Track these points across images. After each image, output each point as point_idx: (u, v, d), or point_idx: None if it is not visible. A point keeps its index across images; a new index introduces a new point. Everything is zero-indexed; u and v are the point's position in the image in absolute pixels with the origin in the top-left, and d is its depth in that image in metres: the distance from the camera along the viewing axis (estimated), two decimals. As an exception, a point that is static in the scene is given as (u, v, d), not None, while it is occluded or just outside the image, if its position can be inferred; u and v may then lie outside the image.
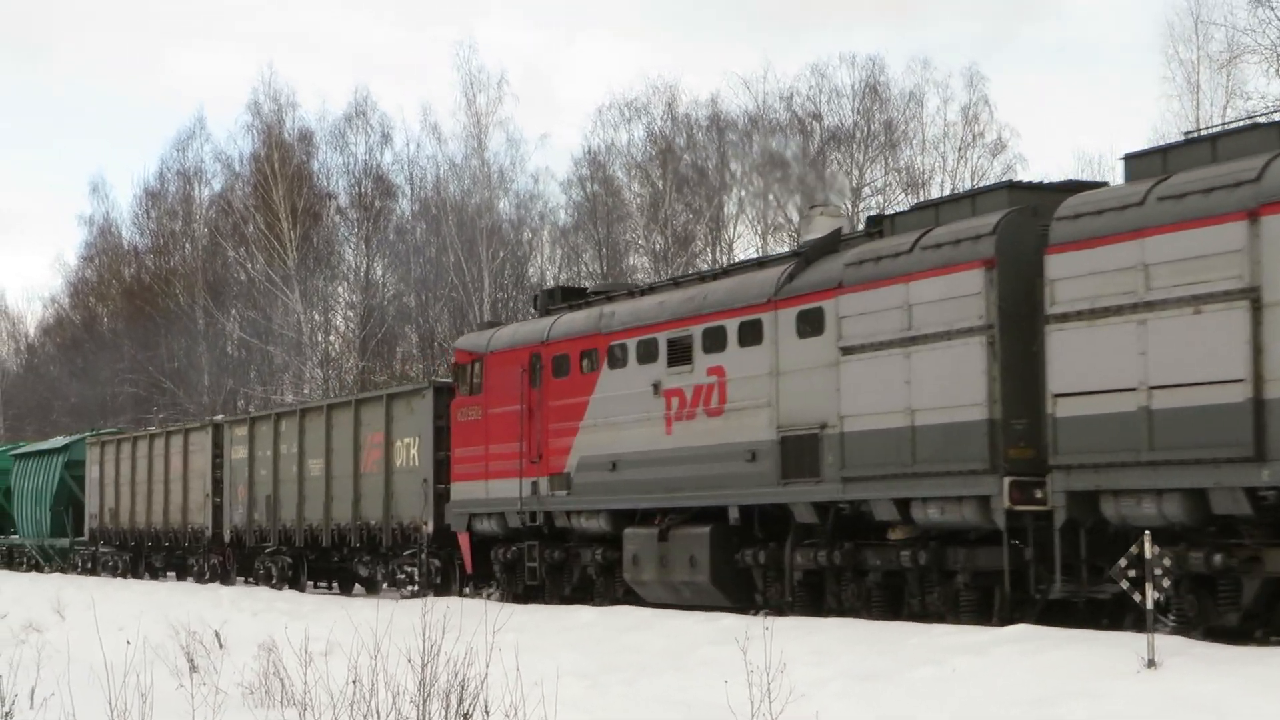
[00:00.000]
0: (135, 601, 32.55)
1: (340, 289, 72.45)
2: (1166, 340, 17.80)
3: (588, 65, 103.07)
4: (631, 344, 26.20)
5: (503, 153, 65.99)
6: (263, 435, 39.27)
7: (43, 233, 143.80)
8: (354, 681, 12.53)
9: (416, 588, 32.19)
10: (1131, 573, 16.39)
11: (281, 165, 68.78)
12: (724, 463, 24.05)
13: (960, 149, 63.74)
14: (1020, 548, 20.04)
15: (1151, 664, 15.00)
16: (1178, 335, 17.69)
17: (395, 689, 12.43)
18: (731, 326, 24.11)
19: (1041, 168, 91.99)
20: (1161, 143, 23.63)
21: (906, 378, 21.07)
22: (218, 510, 41.72)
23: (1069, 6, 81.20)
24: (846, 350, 21.93)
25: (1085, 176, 53.05)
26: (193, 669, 18.11)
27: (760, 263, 25.17)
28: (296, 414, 37.91)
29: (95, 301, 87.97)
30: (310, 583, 38.28)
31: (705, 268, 66.48)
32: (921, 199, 63.20)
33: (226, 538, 41.35)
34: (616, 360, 26.56)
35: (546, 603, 27.85)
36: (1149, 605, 15.95)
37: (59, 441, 55.37)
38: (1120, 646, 15.76)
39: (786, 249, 63.16)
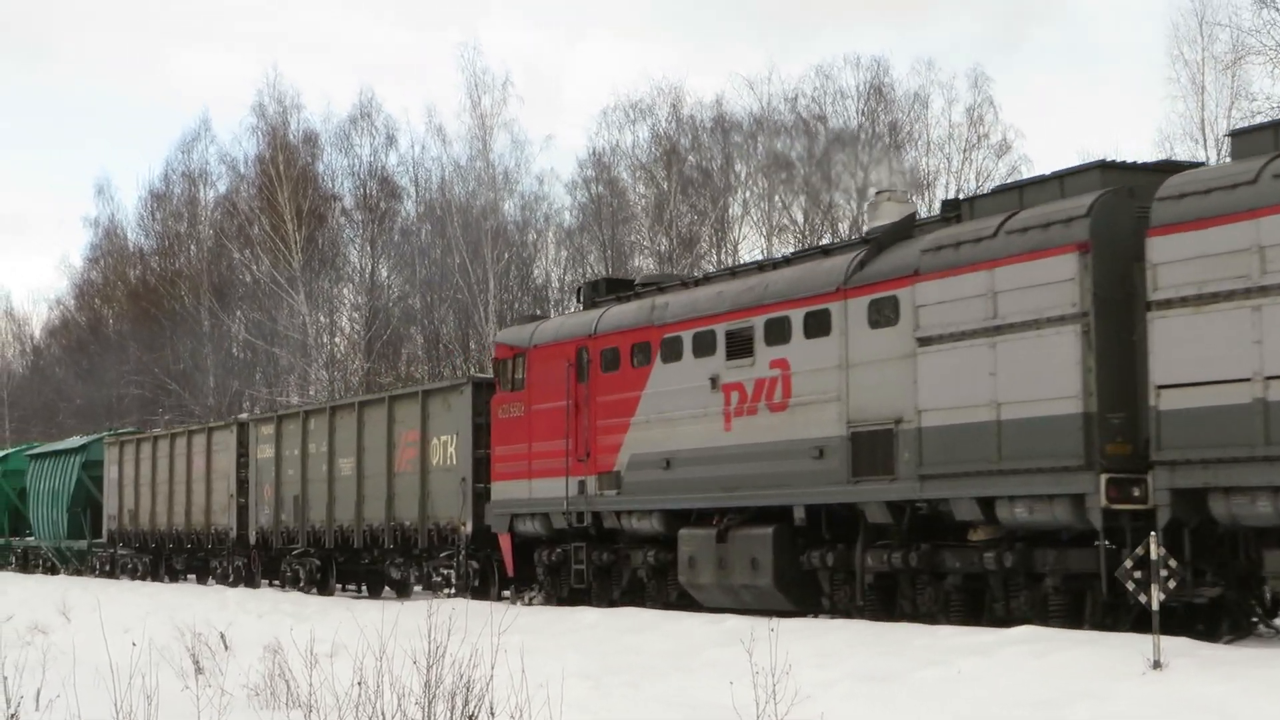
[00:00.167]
0: (141, 603, 31.91)
1: (345, 291, 71.06)
2: (1286, 327, 16.33)
3: (592, 66, 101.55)
4: (687, 336, 24.57)
5: (507, 154, 64.43)
6: (290, 434, 37.43)
7: (48, 234, 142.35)
8: (359, 683, 12.26)
9: (453, 590, 30.51)
10: (1138, 574, 15.90)
11: (286, 167, 67.33)
12: (788, 460, 22.48)
13: (965, 150, 62.81)
14: (1114, 549, 18.49)
15: (1157, 665, 14.57)
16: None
17: (400, 690, 12.13)
18: (796, 317, 22.53)
19: (1046, 169, 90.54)
20: (1266, 120, 22.13)
21: (991, 369, 19.52)
22: (242, 511, 39.84)
23: (1073, 8, 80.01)
24: (924, 341, 20.38)
25: None
26: (198, 670, 17.65)
27: (825, 250, 23.55)
28: (326, 412, 36.04)
29: (101, 303, 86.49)
30: (338, 585, 36.49)
31: (711, 266, 66.95)
32: (926, 200, 62.40)
33: (252, 539, 39.42)
34: (670, 353, 24.94)
35: (594, 606, 26.18)
36: (1154, 607, 15.51)
37: (76, 441, 53.33)
38: (1126, 648, 15.43)
39: (791, 250, 62.92)
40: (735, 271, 25.23)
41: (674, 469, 24.63)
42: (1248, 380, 16.77)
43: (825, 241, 48.25)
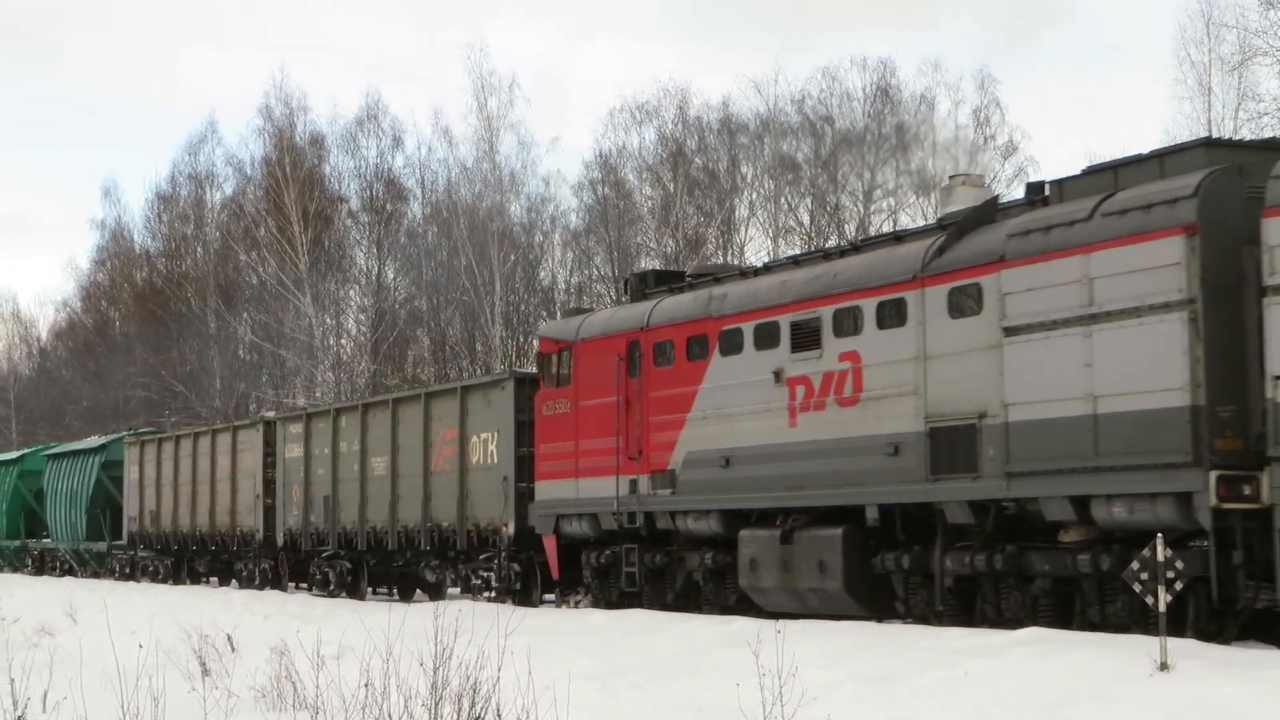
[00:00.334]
0: (147, 605, 31.19)
1: (352, 292, 69.83)
2: None
3: (599, 68, 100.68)
4: (748, 328, 22.92)
5: (514, 156, 63.25)
6: (320, 432, 35.51)
7: (54, 236, 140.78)
8: (366, 685, 12.08)
9: (494, 594, 28.70)
10: (1144, 576, 15.30)
11: (293, 169, 66.24)
12: (860, 457, 20.86)
13: (971, 151, 61.38)
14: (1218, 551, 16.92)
15: (1164, 667, 14.22)
16: None
17: (407, 692, 11.91)
18: (868, 307, 20.92)
19: (1053, 170, 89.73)
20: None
21: (1087, 360, 17.94)
22: (269, 512, 37.76)
23: (1079, 9, 78.76)
24: (1011, 330, 18.79)
25: None
26: (205, 672, 17.34)
27: (898, 237, 21.94)
28: (358, 409, 34.09)
29: (107, 305, 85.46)
30: (369, 589, 34.64)
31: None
32: (933, 201, 61.06)
33: (279, 541, 37.35)
34: (730, 346, 23.27)
35: (646, 609, 24.48)
36: (1161, 608, 14.99)
37: (95, 441, 51.31)
38: (1133, 650, 15.10)
39: (798, 251, 61.65)
40: (798, 260, 23.56)
41: (734, 467, 22.97)
42: (1381, 369, 15.28)
43: (829, 244, 46.98)
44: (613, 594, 25.89)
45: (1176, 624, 17.36)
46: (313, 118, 70.18)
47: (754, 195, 62.63)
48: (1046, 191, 19.78)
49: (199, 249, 75.68)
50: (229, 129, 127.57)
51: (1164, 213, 17.28)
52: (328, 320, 67.29)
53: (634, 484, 24.94)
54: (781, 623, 18.48)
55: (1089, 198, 18.47)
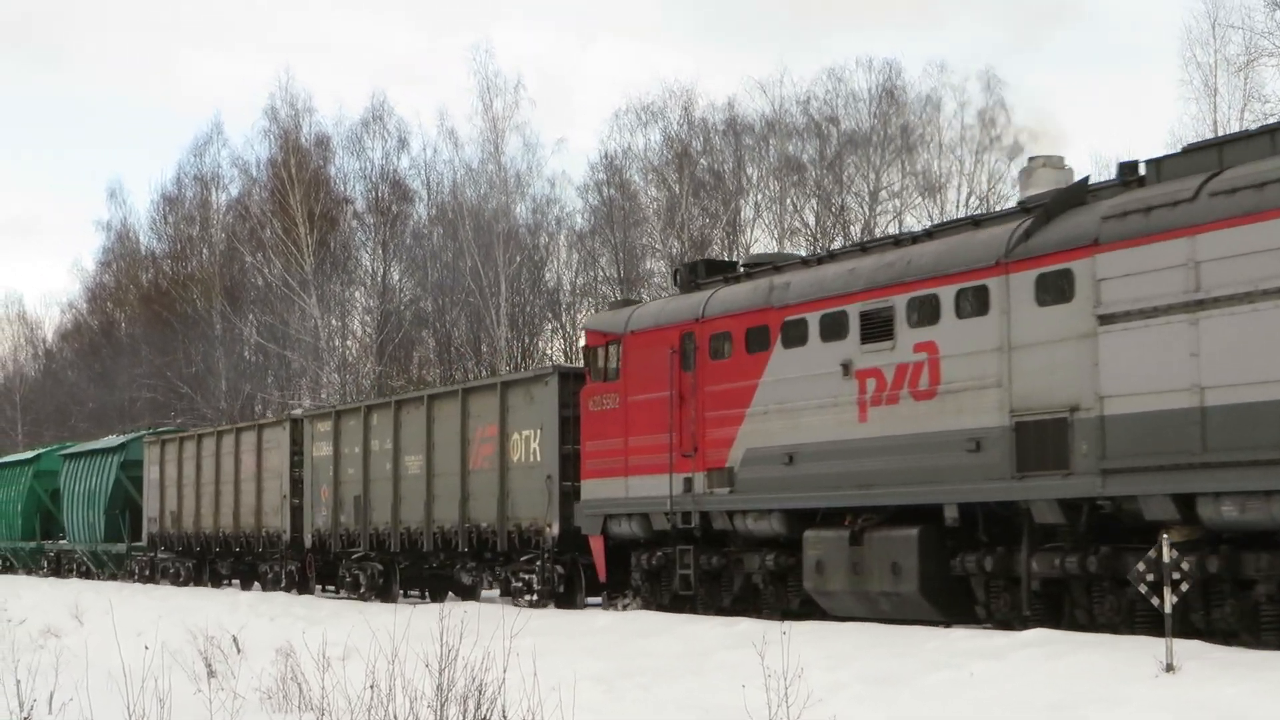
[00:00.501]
0: (153, 607, 30.58)
1: (357, 294, 68.49)
2: None
3: (604, 69, 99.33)
4: (813, 319, 21.45)
5: (519, 157, 62.47)
6: (350, 430, 33.79)
7: (60, 238, 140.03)
8: (371, 686, 11.90)
9: (535, 597, 27.18)
10: (1150, 576, 15.06)
11: (298, 170, 64.95)
12: (937, 453, 19.40)
13: (977, 152, 60.61)
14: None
15: (1170, 668, 13.96)
16: None
17: (413, 694, 11.77)
18: (946, 295, 19.45)
19: None
20: None
21: (1193, 349, 16.54)
22: (296, 512, 36.00)
23: (1087, 10, 77.59)
24: (1106, 318, 17.37)
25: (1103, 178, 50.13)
26: (210, 674, 17.06)
27: (975, 221, 20.42)
28: (390, 407, 32.42)
29: (113, 307, 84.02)
30: (400, 592, 32.99)
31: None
32: (939, 203, 59.89)
33: (307, 542, 35.58)
34: (793, 338, 21.78)
35: (700, 614, 23.04)
36: (1167, 609, 14.59)
37: (113, 440, 49.43)
38: (1138, 651, 14.89)
39: (804, 252, 60.44)
40: (866, 247, 22.03)
41: (798, 464, 21.48)
42: None
43: (834, 246, 45.67)
44: (664, 597, 24.40)
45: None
46: (318, 119, 69.36)
47: (759, 196, 61.67)
48: (1141, 171, 18.37)
49: (204, 250, 74.47)
50: (235, 130, 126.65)
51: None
52: (333, 321, 66.32)
53: (688, 482, 23.44)
54: (786, 624, 17.98)
55: (1191, 177, 17.11)
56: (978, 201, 58.53)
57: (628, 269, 62.50)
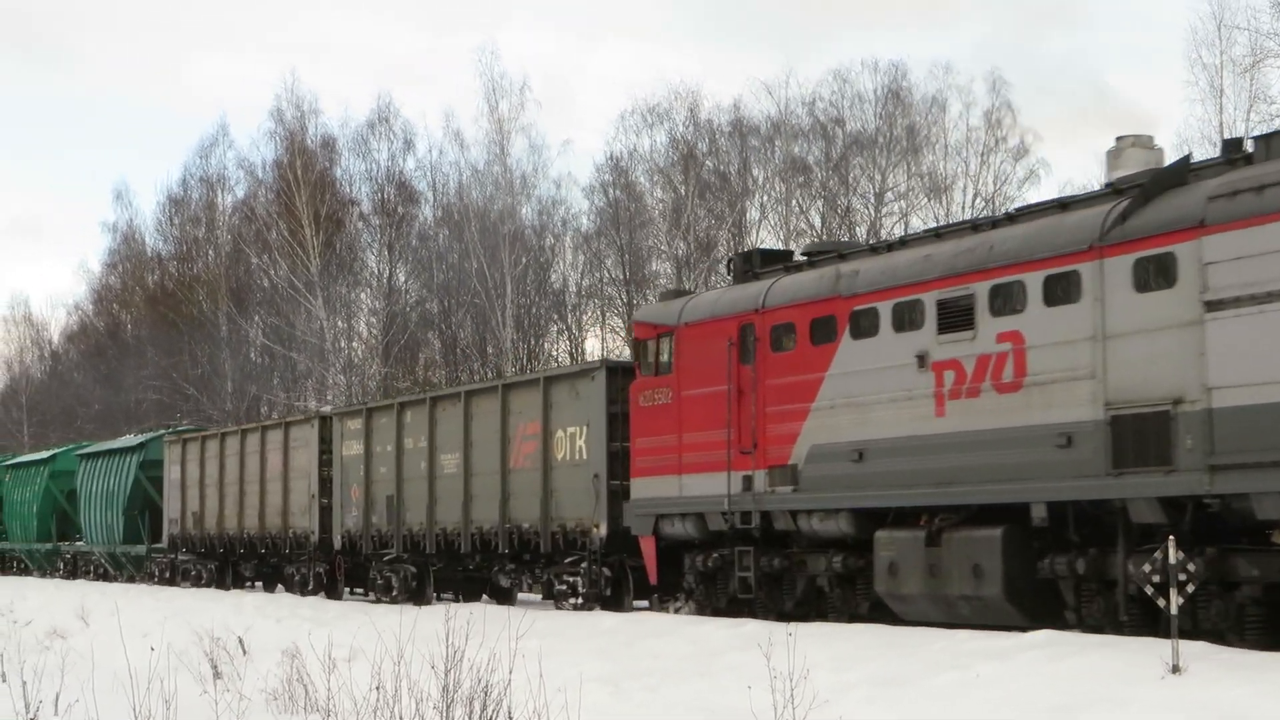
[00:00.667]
0: (159, 608, 30.26)
1: (363, 295, 67.57)
2: None
3: (610, 71, 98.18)
4: (884, 308, 20.18)
5: (525, 158, 61.16)
6: (382, 428, 32.36)
7: (66, 239, 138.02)
8: (377, 687, 11.79)
9: (581, 600, 25.89)
10: (1156, 578, 14.78)
11: (304, 171, 63.87)
12: (1023, 449, 18.16)
13: (983, 154, 60.09)
14: None
15: (1175, 670, 13.68)
16: None
17: (419, 695, 11.58)
18: (1033, 281, 18.18)
19: (1065, 173, 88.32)
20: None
21: (1314, 336, 15.40)
22: (325, 513, 34.50)
23: (1091, 10, 76.76)
24: (1215, 305, 16.18)
25: (1108, 181, 49.40)
26: (216, 675, 16.84)
27: (1063, 204, 19.10)
28: (425, 403, 30.95)
29: (119, 308, 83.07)
30: (434, 595, 31.57)
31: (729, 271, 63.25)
32: (944, 204, 59.02)
33: (337, 543, 34.08)
34: (863, 328, 20.51)
35: (759, 618, 21.74)
36: (1173, 611, 14.24)
37: (132, 440, 47.93)
38: (1144, 652, 14.60)
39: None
40: (940, 233, 20.77)
41: (868, 461, 20.26)
42: None
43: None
44: (720, 600, 23.12)
45: None
46: (324, 120, 68.39)
47: (765, 198, 61.02)
48: (1248, 148, 17.22)
49: (210, 252, 73.59)
50: (241, 132, 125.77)
51: None
52: (339, 323, 65.47)
53: (748, 481, 22.18)
54: (793, 625, 17.52)
55: (1307, 153, 15.99)
56: (984, 203, 57.88)
57: (633, 270, 61.94)
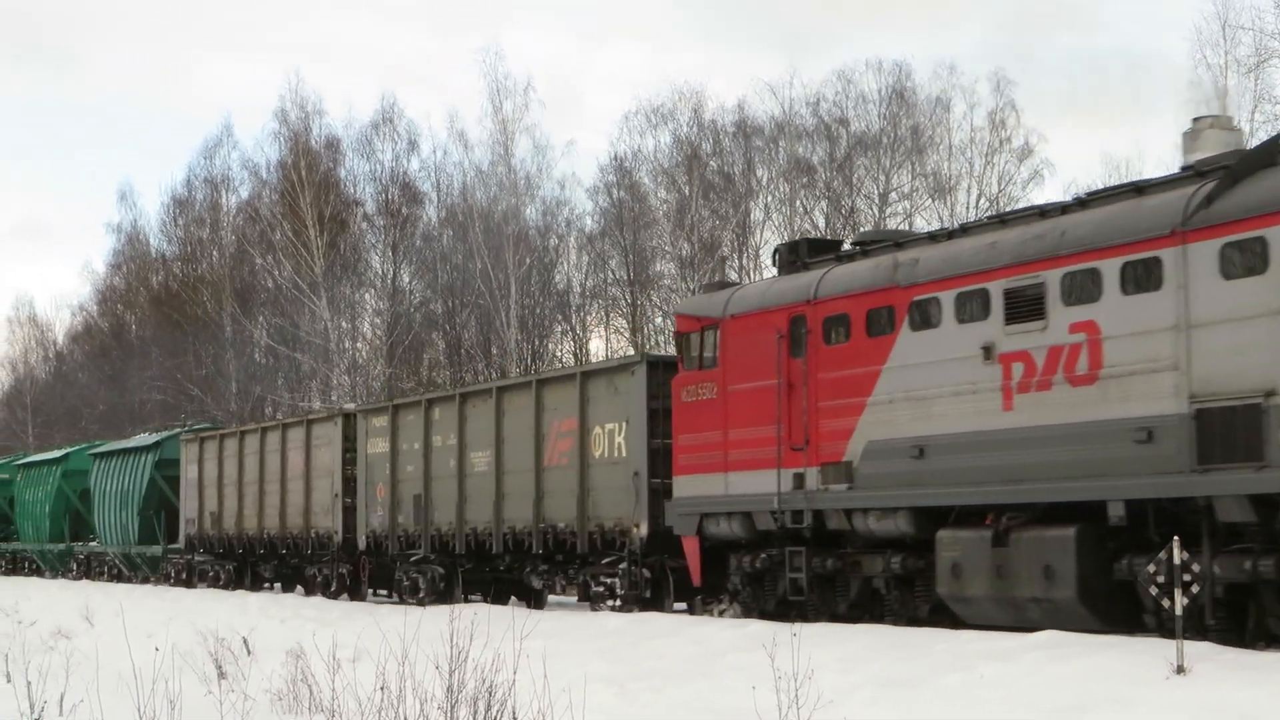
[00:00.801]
0: (164, 609, 30.02)
1: (367, 296, 66.78)
2: None
3: (614, 71, 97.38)
4: (947, 298, 19.19)
5: (529, 159, 60.42)
6: (409, 425, 31.23)
7: (70, 240, 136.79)
8: (382, 688, 11.67)
9: (619, 602, 24.84)
10: (1160, 578, 14.50)
11: (308, 172, 63.20)
12: (1098, 445, 17.22)
13: (987, 154, 59.45)
14: None
15: (1181, 670, 13.57)
16: None
17: (423, 695, 11.49)
18: (1109, 268, 17.21)
19: (1069, 172, 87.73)
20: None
21: None
22: (349, 512, 33.36)
23: (1096, 10, 76.14)
24: (1310, 292, 15.31)
25: (1115, 181, 49.05)
26: (221, 676, 16.71)
27: (1139, 188, 18.09)
28: (454, 400, 29.80)
29: (123, 309, 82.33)
30: (463, 596, 29.95)
31: (734, 272, 62.84)
32: (949, 205, 58.31)
33: (362, 544, 32.95)
34: (923, 320, 19.55)
35: (810, 621, 20.75)
36: (1178, 611, 14.12)
37: (148, 438, 46.67)
38: (1149, 653, 14.46)
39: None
40: (1005, 219, 19.75)
41: (929, 458, 19.32)
42: None
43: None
44: (768, 602, 22.15)
45: None
46: (328, 121, 67.71)
47: (769, 198, 60.32)
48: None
49: (214, 253, 72.79)
50: (245, 133, 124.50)
51: None
52: (343, 324, 64.72)
53: (799, 478, 21.23)
54: (797, 626, 17.33)
55: None
56: (988, 204, 57.22)
57: (637, 271, 61.42)
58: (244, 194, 70.95)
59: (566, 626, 21.79)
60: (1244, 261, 15.96)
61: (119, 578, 47.16)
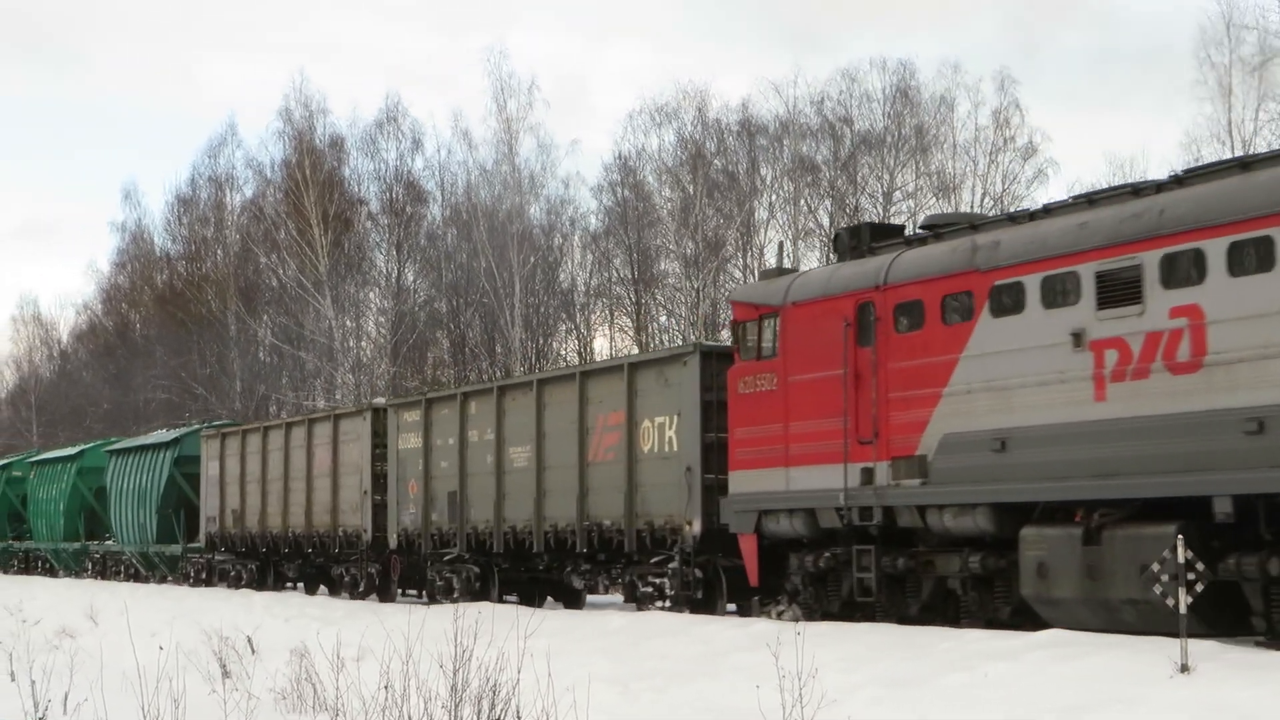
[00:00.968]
0: (168, 608, 29.61)
1: (371, 295, 66.05)
2: None
3: (618, 70, 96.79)
4: (1032, 282, 17.94)
5: (533, 158, 59.84)
6: (443, 420, 29.74)
7: (75, 239, 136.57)
8: (386, 687, 11.61)
9: (669, 603, 23.60)
10: (1165, 577, 14.28)
11: (313, 171, 62.43)
12: (1202, 436, 16.03)
13: (991, 153, 59.18)
14: None
15: (1185, 669, 13.35)
16: None
17: (427, 694, 11.44)
18: (1214, 249, 15.99)
19: (1073, 172, 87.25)
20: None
21: None
22: (379, 510, 32.01)
23: (1099, 10, 75.49)
24: None
25: (1118, 180, 48.40)
26: (225, 674, 16.48)
27: (1244, 163, 16.91)
28: (492, 393, 28.42)
29: (128, 308, 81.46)
30: (499, 597, 28.80)
31: (738, 271, 62.07)
32: (953, 203, 57.57)
33: (393, 542, 31.44)
34: (1004, 305, 18.30)
35: (879, 622, 19.64)
36: (1182, 610, 13.85)
37: (167, 435, 45.21)
38: (1153, 652, 14.24)
39: (817, 253, 57.84)
40: (1094, 199, 18.46)
41: (1011, 451, 18.10)
42: None
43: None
44: (833, 604, 20.89)
45: None
46: (332, 120, 66.86)
47: (773, 197, 59.60)
48: None
49: (219, 251, 72.01)
50: (249, 132, 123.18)
51: None
52: (347, 323, 64.07)
53: (867, 473, 20.01)
54: (801, 625, 17.15)
55: None
56: (992, 203, 56.57)
57: (641, 270, 60.82)
58: (248, 193, 70.41)
59: (570, 626, 21.43)
60: (1367, 240, 14.93)
61: (136, 577, 45.82)
